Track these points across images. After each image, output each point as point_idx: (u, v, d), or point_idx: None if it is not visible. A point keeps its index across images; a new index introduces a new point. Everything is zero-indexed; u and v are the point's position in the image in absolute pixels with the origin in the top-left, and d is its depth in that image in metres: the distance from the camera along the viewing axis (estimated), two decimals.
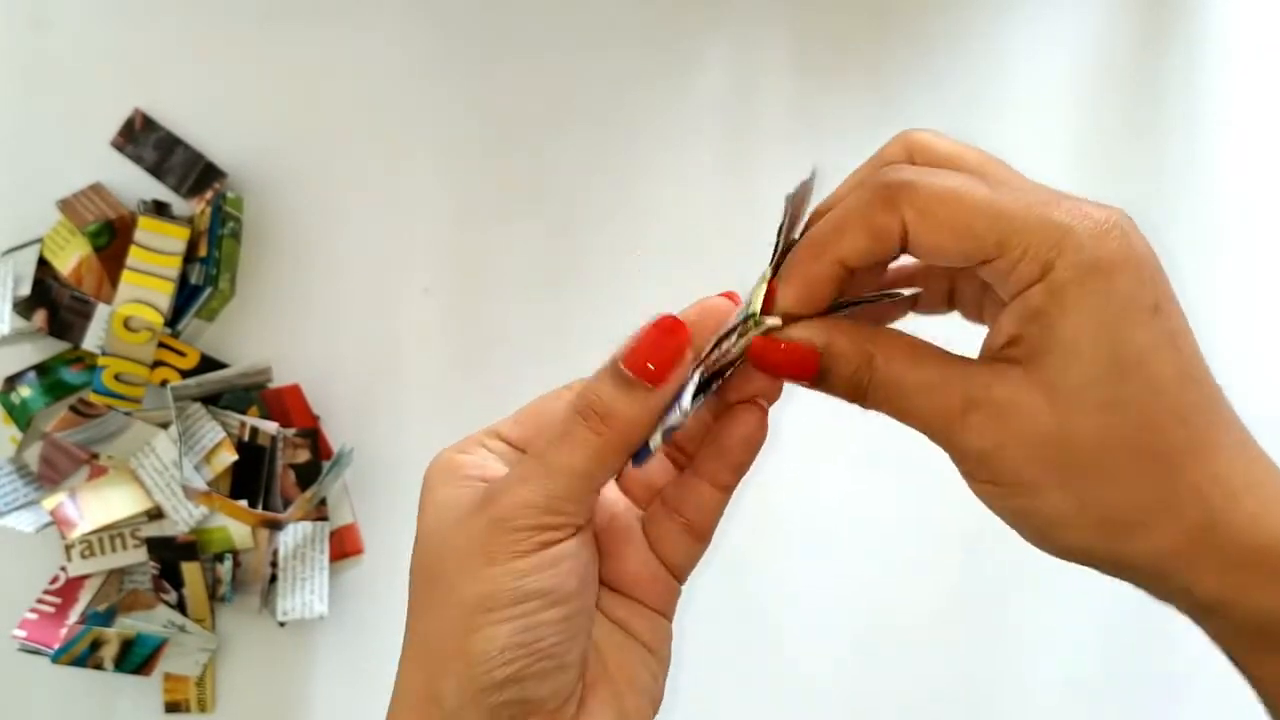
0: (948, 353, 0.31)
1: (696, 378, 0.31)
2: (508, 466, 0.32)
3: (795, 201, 0.32)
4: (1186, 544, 0.29)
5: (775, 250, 0.33)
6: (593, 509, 0.32)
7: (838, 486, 0.70)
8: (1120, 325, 0.29)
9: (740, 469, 0.34)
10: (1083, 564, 0.31)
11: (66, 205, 0.67)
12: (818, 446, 0.67)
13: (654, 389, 0.30)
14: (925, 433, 0.31)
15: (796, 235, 0.33)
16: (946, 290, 0.36)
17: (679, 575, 0.34)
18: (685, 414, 0.30)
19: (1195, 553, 0.29)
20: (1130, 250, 0.29)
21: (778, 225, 0.33)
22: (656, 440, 0.31)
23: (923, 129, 0.33)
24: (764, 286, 0.32)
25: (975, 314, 0.35)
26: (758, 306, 0.32)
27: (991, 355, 0.31)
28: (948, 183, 0.30)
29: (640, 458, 0.31)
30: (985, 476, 0.30)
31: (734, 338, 0.32)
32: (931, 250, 0.30)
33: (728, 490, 0.34)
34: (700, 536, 0.34)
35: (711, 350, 0.32)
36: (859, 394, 0.32)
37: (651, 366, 0.30)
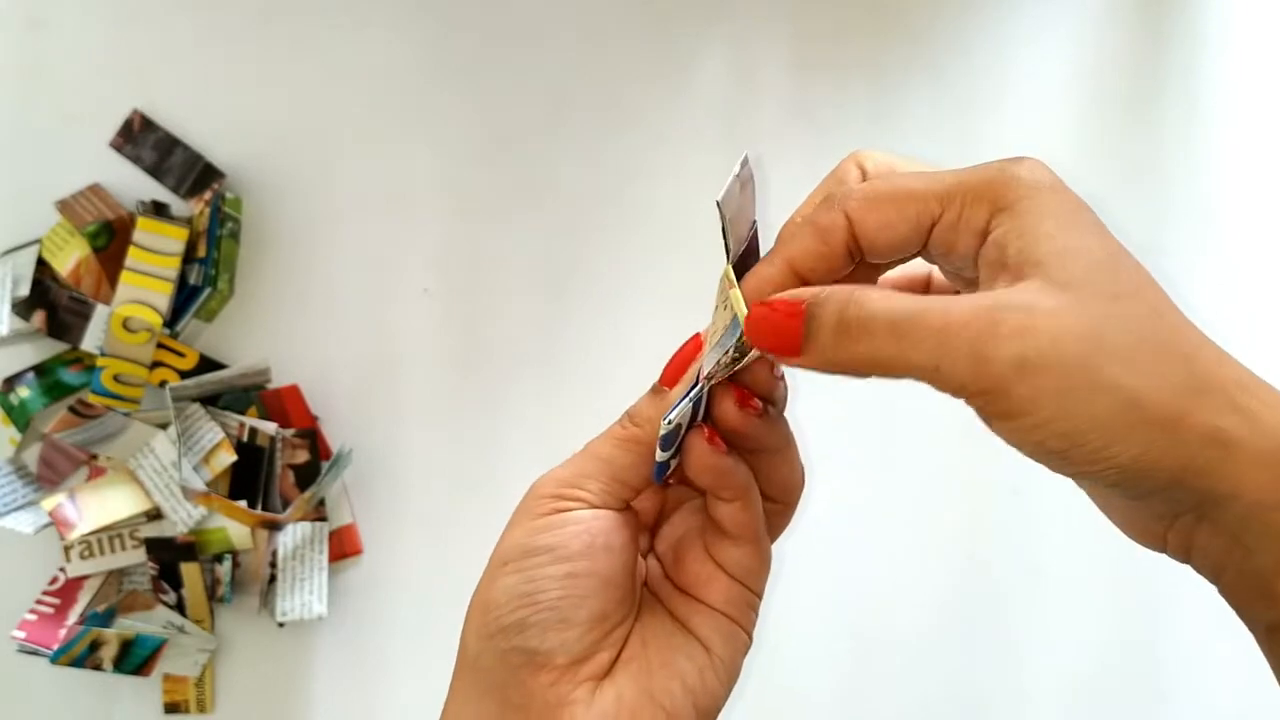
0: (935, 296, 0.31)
1: (703, 390, 0.33)
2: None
3: (729, 203, 0.32)
4: (1230, 431, 0.28)
5: (728, 253, 0.33)
6: (618, 495, 0.34)
7: (835, 489, 0.70)
8: (1087, 225, 0.30)
9: (713, 489, 0.35)
10: (1132, 480, 0.29)
11: (65, 206, 0.67)
12: (815, 450, 0.67)
13: (668, 391, 0.34)
14: (938, 368, 0.28)
15: (745, 232, 0.34)
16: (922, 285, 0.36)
17: (741, 579, 0.35)
18: (672, 423, 0.32)
19: (1239, 441, 0.28)
20: (1057, 180, 0.31)
21: (720, 228, 0.33)
22: (664, 454, 0.33)
23: (873, 150, 0.34)
24: (737, 292, 0.32)
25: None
26: (744, 310, 0.32)
27: (985, 282, 0.30)
28: (882, 176, 0.32)
29: (659, 473, 0.34)
30: (1026, 399, 0.28)
31: (730, 346, 0.32)
32: (879, 228, 0.31)
33: (732, 503, 0.35)
34: (739, 541, 0.35)
35: (714, 364, 0.33)
36: (853, 339, 0.30)
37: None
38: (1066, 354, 0.27)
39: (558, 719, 0.32)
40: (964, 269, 0.31)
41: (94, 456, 0.68)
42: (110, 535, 0.66)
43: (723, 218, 0.32)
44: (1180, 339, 0.29)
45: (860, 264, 0.32)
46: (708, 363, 0.33)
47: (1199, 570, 0.31)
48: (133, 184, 0.69)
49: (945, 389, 0.29)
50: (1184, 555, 0.31)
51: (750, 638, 0.36)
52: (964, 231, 0.30)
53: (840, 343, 0.30)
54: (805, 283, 0.32)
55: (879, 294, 0.30)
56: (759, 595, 0.36)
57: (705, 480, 0.34)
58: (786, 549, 0.72)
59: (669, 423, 0.32)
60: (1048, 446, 0.28)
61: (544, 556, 0.32)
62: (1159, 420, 0.28)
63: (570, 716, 0.32)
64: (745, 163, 0.33)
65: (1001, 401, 0.28)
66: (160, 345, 0.67)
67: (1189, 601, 0.69)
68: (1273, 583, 0.29)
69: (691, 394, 0.33)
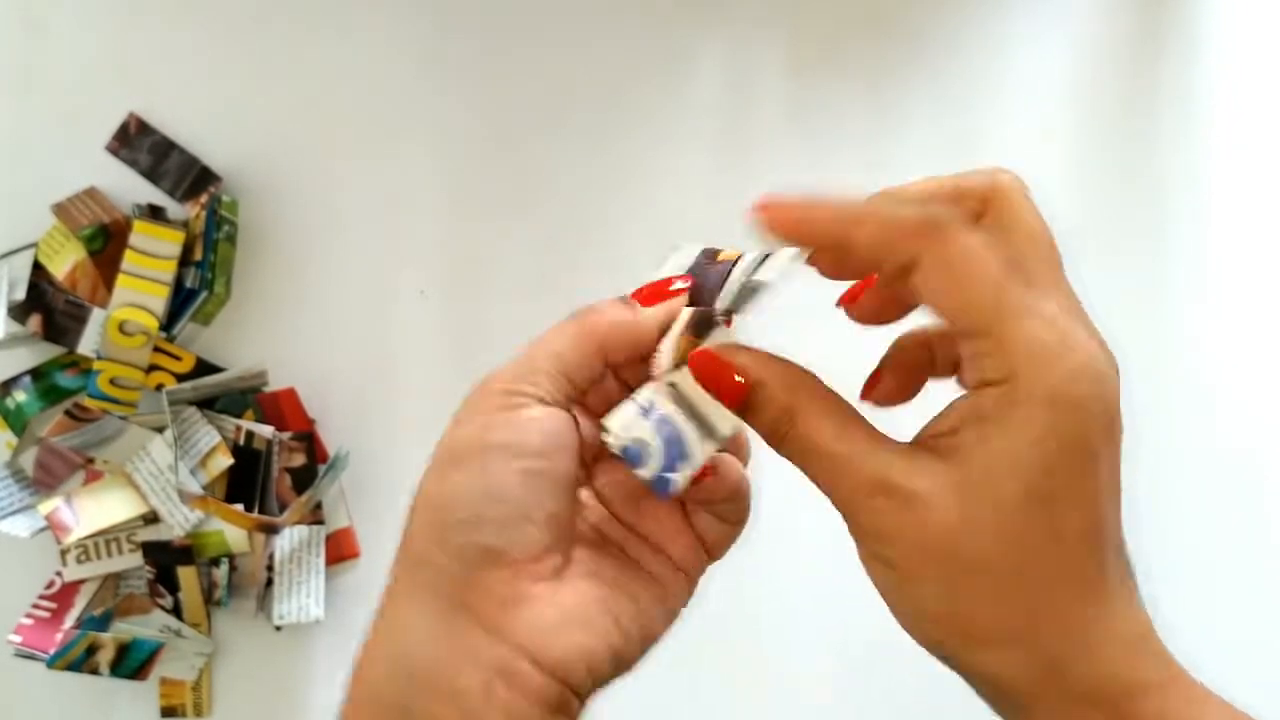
0: (871, 428, 0.32)
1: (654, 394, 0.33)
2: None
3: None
4: (1032, 673, 0.30)
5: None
6: (567, 393, 0.34)
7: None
8: (1052, 465, 0.29)
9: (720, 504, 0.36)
10: (938, 658, 0.32)
11: (61, 209, 0.67)
12: None
13: (639, 305, 0.34)
14: (827, 496, 0.32)
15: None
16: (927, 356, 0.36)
17: (710, 548, 0.36)
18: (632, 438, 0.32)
19: (1041, 685, 0.30)
20: (1097, 398, 0.29)
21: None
22: (679, 478, 0.33)
23: (1017, 180, 0.32)
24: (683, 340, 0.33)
25: (948, 374, 0.36)
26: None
27: (922, 440, 0.31)
28: (978, 245, 0.30)
29: (663, 488, 0.33)
30: (872, 554, 0.31)
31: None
32: (930, 294, 0.30)
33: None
34: (724, 522, 0.36)
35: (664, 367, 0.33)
36: (774, 441, 0.32)
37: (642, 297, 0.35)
38: (916, 546, 0.30)
39: (514, 615, 0.31)
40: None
41: (90, 460, 0.67)
42: (107, 539, 0.66)
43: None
44: (1050, 589, 0.30)
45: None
46: (664, 357, 0.33)
47: None
48: (129, 187, 0.69)
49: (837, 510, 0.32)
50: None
51: (693, 592, 0.36)
52: (975, 371, 0.30)
53: (766, 432, 0.32)
54: (842, 250, 0.31)
55: (816, 419, 0.31)
56: (718, 559, 0.37)
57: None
58: (787, 549, 0.72)
59: (624, 446, 0.32)
60: (878, 587, 0.32)
61: (501, 452, 0.32)
62: (966, 636, 0.30)
63: (528, 612, 0.31)
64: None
65: (857, 542, 0.31)
66: (157, 349, 0.67)
67: (1189, 601, 0.69)
68: None
69: (639, 397, 0.33)
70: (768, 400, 0.32)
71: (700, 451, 0.33)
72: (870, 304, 0.35)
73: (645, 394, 0.33)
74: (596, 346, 0.34)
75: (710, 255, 0.34)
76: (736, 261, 0.34)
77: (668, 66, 0.73)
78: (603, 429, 0.33)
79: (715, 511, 0.35)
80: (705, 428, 0.33)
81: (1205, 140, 0.75)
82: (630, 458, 0.32)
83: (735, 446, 0.36)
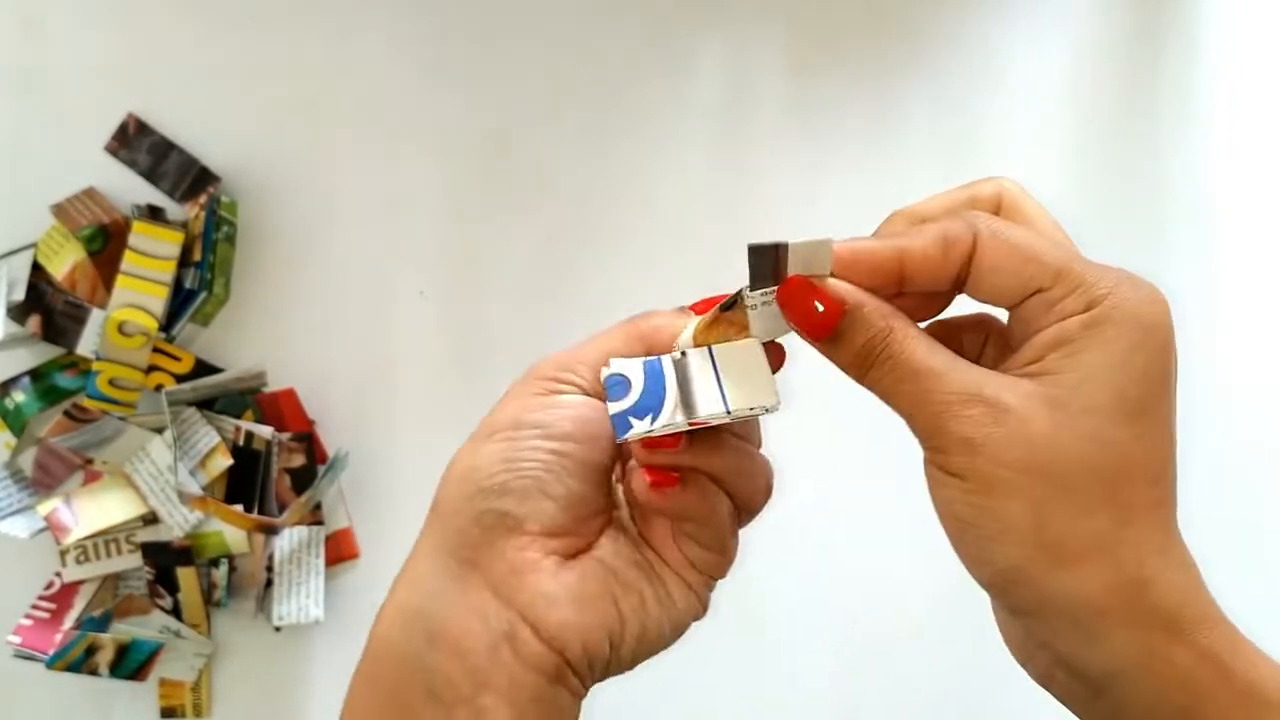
0: (957, 355, 0.32)
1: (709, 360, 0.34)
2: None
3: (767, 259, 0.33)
4: (1112, 592, 0.30)
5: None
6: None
7: (828, 488, 0.70)
8: (1139, 376, 0.30)
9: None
10: (1000, 592, 0.32)
11: (60, 210, 0.67)
12: (813, 448, 0.67)
13: (693, 314, 0.35)
14: (912, 416, 0.32)
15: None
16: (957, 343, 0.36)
17: (700, 569, 0.36)
18: (614, 374, 0.34)
19: (1116, 604, 0.30)
20: (1165, 326, 0.31)
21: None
22: (638, 424, 0.33)
23: (1020, 186, 0.34)
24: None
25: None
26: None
27: (1008, 370, 0.32)
28: (1022, 230, 0.32)
29: (620, 428, 0.33)
30: (957, 467, 0.31)
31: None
32: (992, 269, 0.32)
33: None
34: (700, 542, 0.36)
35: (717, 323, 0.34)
36: (865, 363, 0.32)
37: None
38: (1011, 452, 0.30)
39: (520, 581, 0.33)
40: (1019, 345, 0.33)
41: (89, 461, 0.67)
42: (106, 540, 0.66)
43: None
44: (1133, 502, 0.30)
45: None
46: (683, 335, 0.34)
47: (1060, 700, 0.33)
48: (128, 188, 0.69)
49: (913, 430, 0.32)
50: (1044, 683, 0.34)
51: (704, 608, 0.37)
52: (1052, 311, 0.31)
53: (856, 357, 0.32)
54: (900, 278, 0.33)
55: (912, 340, 0.32)
56: (717, 579, 0.37)
57: (648, 509, 0.35)
58: (786, 549, 0.72)
59: (611, 374, 0.33)
60: (953, 511, 0.31)
61: (532, 431, 0.33)
62: (1049, 549, 0.30)
63: (534, 579, 0.32)
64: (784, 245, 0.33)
65: (940, 459, 0.31)
66: (156, 349, 0.67)
67: None
68: None
69: (647, 365, 0.33)
70: (864, 322, 0.32)
71: (669, 414, 0.33)
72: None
73: (657, 355, 0.34)
74: (644, 348, 0.35)
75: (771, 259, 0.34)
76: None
77: (667, 67, 0.73)
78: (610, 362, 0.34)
79: (687, 531, 0.35)
80: (687, 401, 0.33)
81: (1204, 139, 0.75)
82: (610, 387, 0.33)
83: (731, 479, 0.36)
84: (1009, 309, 0.33)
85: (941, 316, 0.35)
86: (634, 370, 0.33)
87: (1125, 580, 0.30)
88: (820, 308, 0.32)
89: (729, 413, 0.33)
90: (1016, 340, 0.32)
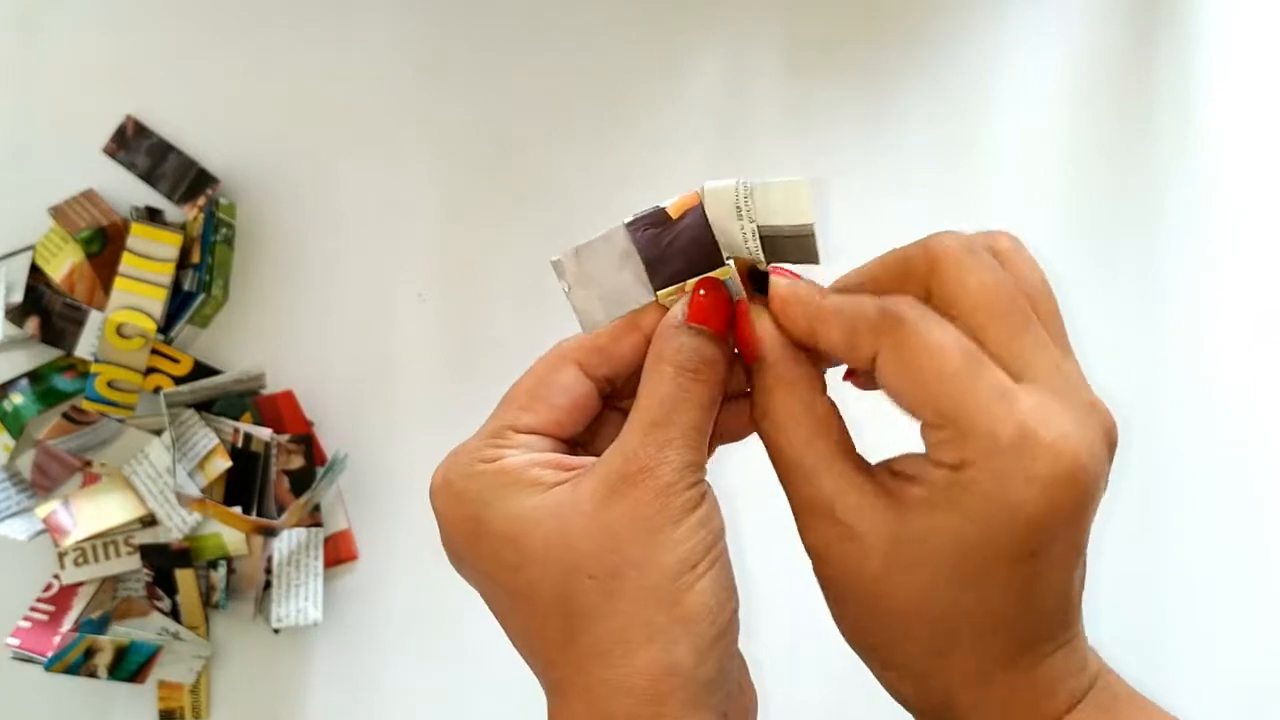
0: (845, 438, 0.33)
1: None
2: (555, 454, 0.34)
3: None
4: (929, 706, 0.33)
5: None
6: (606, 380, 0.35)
7: None
8: (987, 559, 0.29)
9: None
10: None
11: (59, 212, 0.67)
12: None
13: (724, 337, 0.33)
14: (782, 488, 0.33)
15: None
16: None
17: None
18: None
19: (933, 714, 0.33)
20: (1050, 501, 0.29)
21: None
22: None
23: (956, 241, 0.31)
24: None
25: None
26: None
27: (886, 469, 0.32)
28: (936, 337, 0.30)
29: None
30: (809, 556, 0.33)
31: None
32: (887, 386, 0.31)
33: None
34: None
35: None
36: (756, 412, 0.34)
37: (702, 324, 0.34)
38: (843, 576, 0.32)
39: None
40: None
41: (88, 463, 0.67)
42: (105, 542, 0.66)
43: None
44: (938, 639, 0.31)
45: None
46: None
47: None
48: (126, 190, 0.69)
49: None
50: None
51: None
52: (930, 447, 0.30)
53: (754, 403, 0.34)
54: (815, 350, 0.33)
55: (793, 422, 0.33)
56: None
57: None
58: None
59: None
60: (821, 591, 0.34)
61: (721, 542, 0.33)
62: (872, 658, 0.33)
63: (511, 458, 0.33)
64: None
65: (810, 554, 0.34)
66: (154, 351, 0.67)
67: (1189, 604, 0.69)
68: None
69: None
70: (760, 373, 0.33)
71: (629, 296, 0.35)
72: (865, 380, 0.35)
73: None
74: (721, 398, 0.34)
75: (657, 220, 0.34)
76: (701, 210, 0.33)
77: (665, 70, 0.73)
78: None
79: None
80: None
81: (1202, 143, 0.75)
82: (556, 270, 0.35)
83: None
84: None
85: None
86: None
87: (935, 704, 0.32)
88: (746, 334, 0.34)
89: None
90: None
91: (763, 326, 0.33)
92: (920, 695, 0.32)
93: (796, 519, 0.33)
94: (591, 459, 0.33)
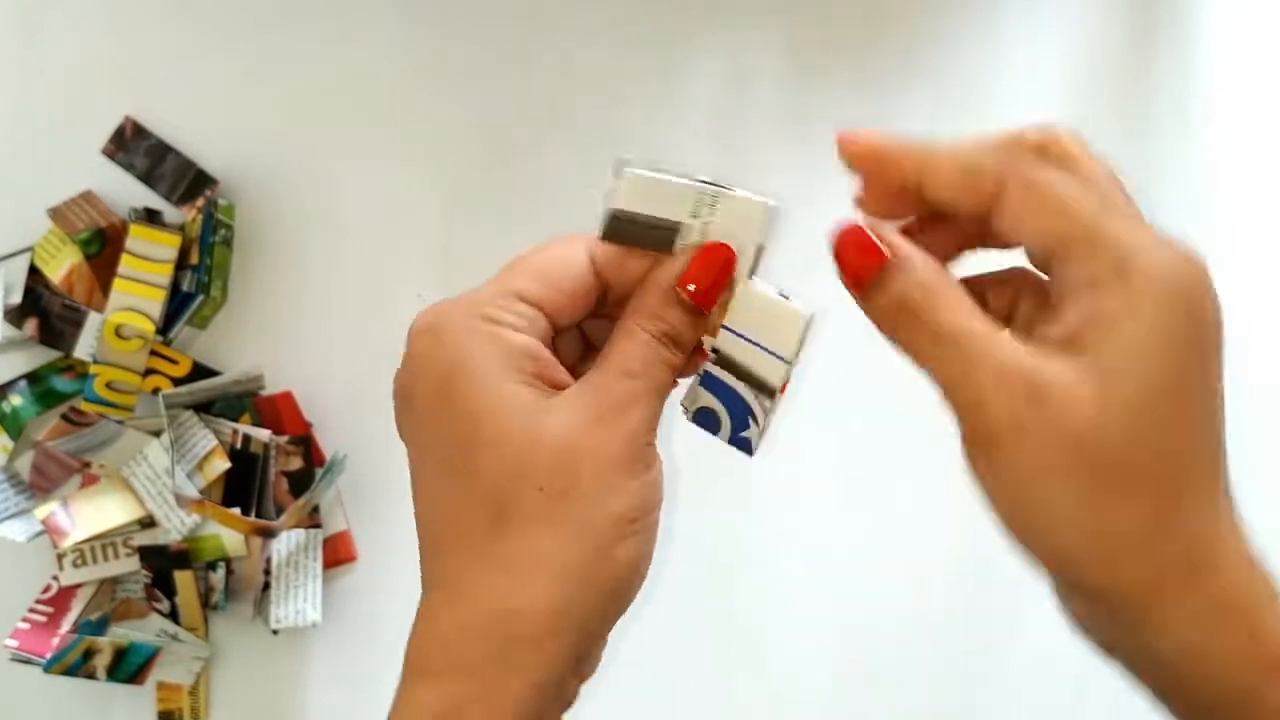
0: (995, 324, 0.31)
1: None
2: (547, 353, 0.33)
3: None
4: (1168, 580, 0.29)
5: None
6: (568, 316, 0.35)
7: (833, 487, 0.70)
8: (1185, 350, 0.29)
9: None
10: (1056, 579, 0.31)
11: (57, 213, 0.67)
12: (812, 449, 0.67)
13: (706, 313, 0.33)
14: (948, 388, 0.30)
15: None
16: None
17: None
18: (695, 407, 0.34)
19: (1174, 591, 0.29)
20: (1203, 288, 0.30)
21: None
22: (752, 437, 0.34)
23: (1073, 131, 0.32)
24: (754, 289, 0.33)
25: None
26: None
27: (1045, 343, 0.30)
28: (1058, 175, 0.30)
29: (744, 448, 0.34)
30: (998, 454, 0.30)
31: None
32: (1017, 218, 0.30)
33: None
34: None
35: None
36: (904, 317, 0.31)
37: (693, 287, 0.33)
38: (1052, 443, 0.29)
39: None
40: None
41: (87, 464, 0.67)
42: (103, 543, 0.66)
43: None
44: (1186, 480, 0.29)
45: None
46: (730, 347, 0.34)
47: (1120, 668, 0.32)
48: (125, 191, 0.69)
49: (948, 403, 0.30)
50: (1109, 655, 0.33)
51: None
52: (1084, 276, 0.30)
53: (892, 313, 0.31)
54: (918, 195, 0.32)
55: (952, 301, 0.30)
56: None
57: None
58: (785, 549, 0.72)
59: (696, 410, 0.34)
60: (996, 501, 0.30)
61: (658, 511, 0.32)
62: (1099, 543, 0.29)
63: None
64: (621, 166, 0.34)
65: (980, 442, 0.30)
66: (153, 352, 0.67)
67: None
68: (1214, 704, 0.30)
69: (704, 380, 0.34)
70: (908, 275, 0.31)
71: (759, 408, 0.33)
72: (883, 200, 0.34)
73: (704, 366, 0.34)
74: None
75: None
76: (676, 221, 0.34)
77: (665, 72, 0.73)
78: (683, 407, 0.34)
79: None
80: (758, 384, 0.34)
81: (1202, 141, 0.75)
82: (704, 425, 0.34)
83: None
84: (1039, 265, 0.32)
85: (971, 274, 0.34)
86: (703, 396, 0.34)
87: (1180, 562, 0.29)
88: (864, 251, 0.31)
89: (791, 361, 0.33)
90: (1055, 299, 0.31)
91: (887, 235, 0.32)
92: (1163, 564, 0.29)
93: (973, 408, 0.30)
94: (564, 374, 0.33)
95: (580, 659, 0.31)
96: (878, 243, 0.31)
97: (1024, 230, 0.31)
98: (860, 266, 0.31)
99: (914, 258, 0.31)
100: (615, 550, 0.31)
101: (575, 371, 0.34)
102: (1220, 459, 0.30)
